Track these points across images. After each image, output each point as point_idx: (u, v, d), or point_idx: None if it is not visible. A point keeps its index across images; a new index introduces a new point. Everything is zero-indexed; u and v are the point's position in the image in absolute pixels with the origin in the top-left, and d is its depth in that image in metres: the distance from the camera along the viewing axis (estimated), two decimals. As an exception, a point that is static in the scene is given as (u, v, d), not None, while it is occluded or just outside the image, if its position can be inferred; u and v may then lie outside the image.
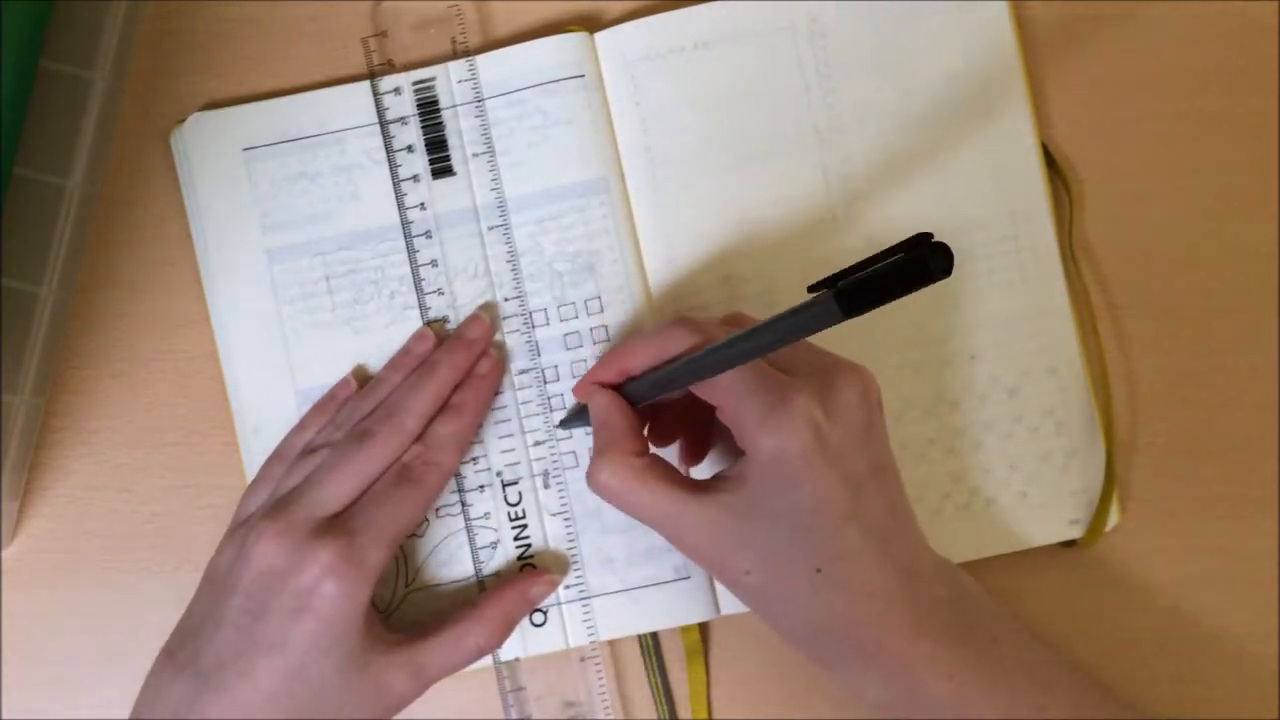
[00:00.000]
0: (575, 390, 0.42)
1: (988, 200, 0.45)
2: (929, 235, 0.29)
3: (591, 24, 0.45)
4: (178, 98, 0.45)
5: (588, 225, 0.44)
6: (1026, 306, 0.45)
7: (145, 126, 0.45)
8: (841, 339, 0.43)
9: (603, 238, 0.44)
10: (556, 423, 0.44)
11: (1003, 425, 0.45)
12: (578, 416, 0.43)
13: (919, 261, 0.29)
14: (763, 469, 0.37)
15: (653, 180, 0.45)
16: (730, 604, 0.44)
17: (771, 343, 0.33)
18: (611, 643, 0.45)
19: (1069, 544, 0.45)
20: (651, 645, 0.45)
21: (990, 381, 0.45)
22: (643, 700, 0.45)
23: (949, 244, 0.29)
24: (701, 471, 0.44)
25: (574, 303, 0.44)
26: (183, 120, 0.45)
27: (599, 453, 0.39)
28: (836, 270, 0.31)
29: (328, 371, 0.44)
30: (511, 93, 0.44)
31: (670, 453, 0.44)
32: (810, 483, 0.36)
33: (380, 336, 0.44)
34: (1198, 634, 0.45)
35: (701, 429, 0.43)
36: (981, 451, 0.45)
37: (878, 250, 0.30)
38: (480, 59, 0.44)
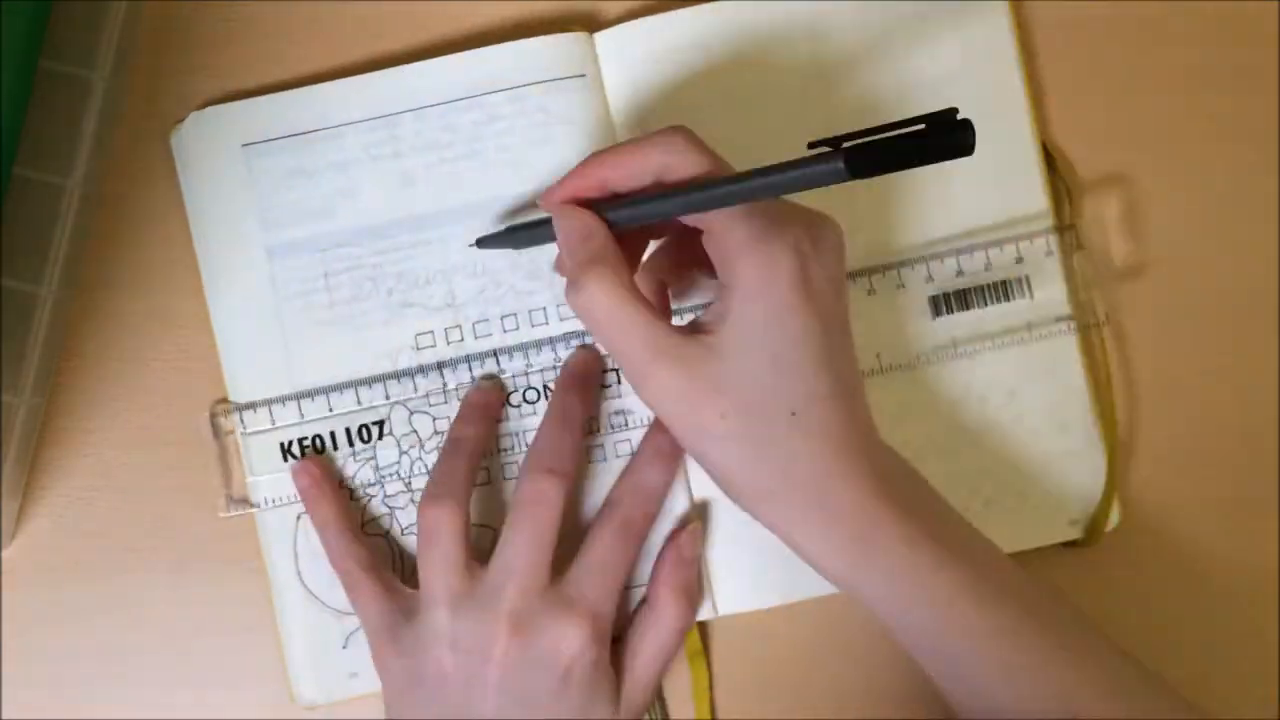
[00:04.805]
0: (543, 197, 0.38)
1: (988, 200, 0.45)
2: (955, 110, 0.29)
3: (591, 24, 0.45)
4: (178, 97, 0.45)
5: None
6: (1026, 306, 0.45)
7: (145, 126, 0.45)
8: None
9: (602, 237, 0.44)
10: (471, 241, 0.43)
11: (1002, 425, 0.45)
12: (510, 236, 0.42)
13: (943, 134, 0.29)
14: (744, 301, 0.36)
15: (653, 180, 0.45)
16: (730, 604, 0.44)
17: (775, 187, 0.32)
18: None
19: (1069, 544, 0.45)
20: (652, 646, 0.45)
21: (990, 382, 0.45)
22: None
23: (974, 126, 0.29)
24: None
25: (573, 302, 0.44)
26: (182, 119, 0.45)
27: (585, 265, 0.36)
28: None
29: (327, 370, 0.44)
30: (512, 89, 0.44)
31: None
32: (795, 315, 0.36)
33: (378, 334, 0.44)
34: (1198, 634, 0.45)
35: (678, 276, 0.42)
36: (981, 452, 0.45)
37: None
38: (479, 54, 0.44)
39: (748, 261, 0.36)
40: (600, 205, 0.38)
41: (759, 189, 0.33)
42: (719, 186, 0.34)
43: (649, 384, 0.37)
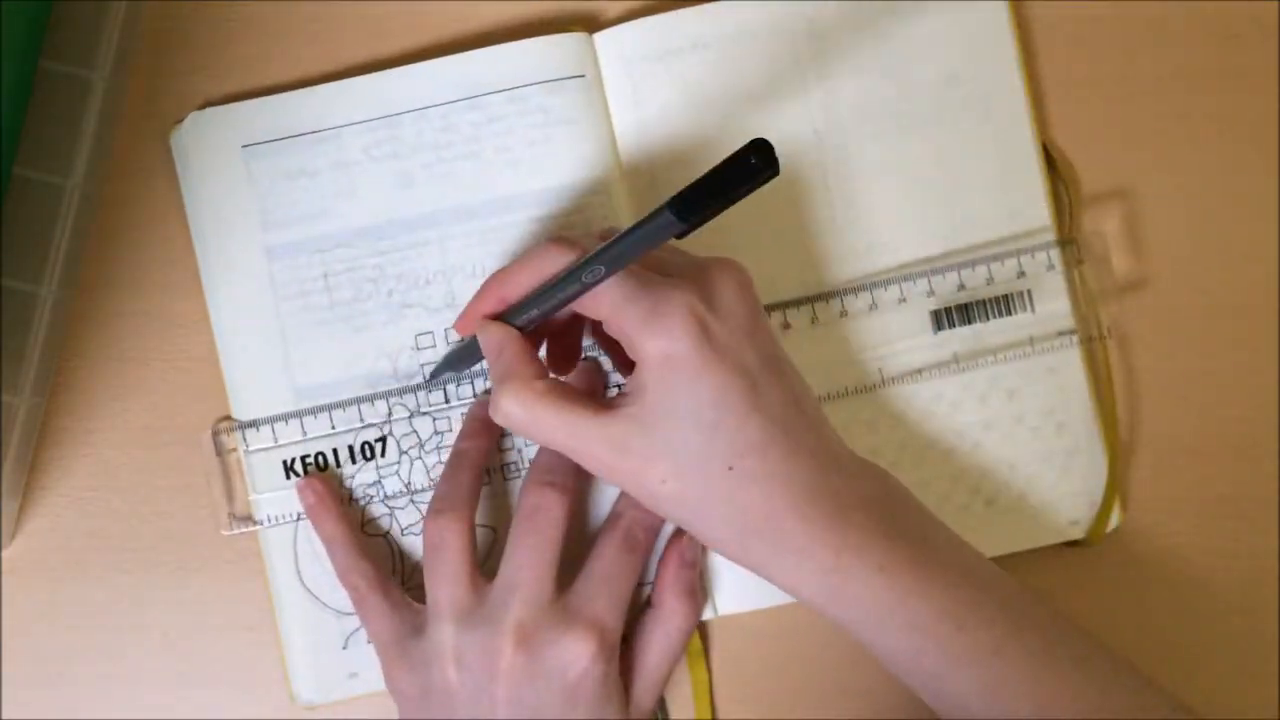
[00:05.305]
0: (457, 325, 0.41)
1: (988, 200, 0.45)
2: (762, 140, 0.31)
3: (591, 24, 0.45)
4: (178, 97, 0.45)
5: (587, 226, 0.44)
6: (1028, 320, 0.45)
7: (145, 126, 0.45)
8: (839, 334, 0.43)
9: (602, 238, 0.44)
10: (426, 376, 0.44)
11: (1002, 426, 0.45)
12: (450, 364, 0.43)
13: (742, 161, 0.30)
14: (656, 373, 0.37)
15: (652, 181, 0.45)
16: (730, 604, 0.44)
17: (626, 252, 0.34)
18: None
19: (1070, 544, 0.45)
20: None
21: (990, 381, 0.45)
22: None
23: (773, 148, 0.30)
24: None
25: (573, 302, 0.44)
26: (182, 119, 0.45)
27: (499, 381, 0.38)
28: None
29: (326, 370, 0.44)
30: (512, 89, 0.44)
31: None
32: (705, 378, 0.36)
33: (378, 334, 0.44)
34: (1197, 635, 0.45)
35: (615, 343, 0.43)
36: (981, 452, 0.45)
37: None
38: (479, 54, 0.44)
39: (645, 341, 0.36)
40: (506, 315, 0.40)
41: (610, 261, 0.35)
42: (572, 275, 0.36)
43: (592, 466, 0.38)
